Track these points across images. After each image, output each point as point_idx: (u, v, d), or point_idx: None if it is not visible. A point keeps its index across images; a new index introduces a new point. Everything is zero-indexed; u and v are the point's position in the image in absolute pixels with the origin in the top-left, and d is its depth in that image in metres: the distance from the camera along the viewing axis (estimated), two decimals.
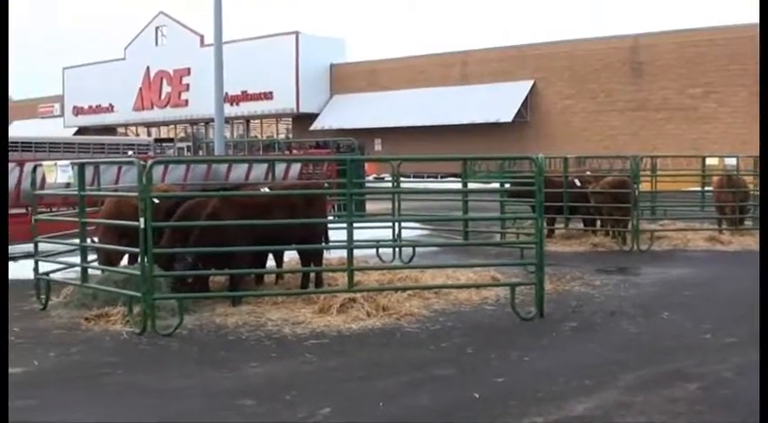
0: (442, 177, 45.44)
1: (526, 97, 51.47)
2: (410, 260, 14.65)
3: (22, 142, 25.97)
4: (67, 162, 11.65)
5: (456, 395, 7.18)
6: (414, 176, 44.32)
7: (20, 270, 14.07)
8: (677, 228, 19.14)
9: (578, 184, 18.40)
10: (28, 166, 15.40)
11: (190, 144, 58.05)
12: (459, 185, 22.37)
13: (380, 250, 14.91)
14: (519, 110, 51.00)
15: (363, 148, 30.72)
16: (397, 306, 10.44)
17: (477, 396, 7.09)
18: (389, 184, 19.14)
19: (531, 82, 51.54)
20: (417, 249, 15.16)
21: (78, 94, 74.58)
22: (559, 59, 50.55)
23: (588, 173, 20.03)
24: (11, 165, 17.12)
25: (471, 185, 19.75)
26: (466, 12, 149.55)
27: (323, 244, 12.31)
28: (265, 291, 11.84)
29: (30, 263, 12.00)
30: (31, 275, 11.66)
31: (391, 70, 58.02)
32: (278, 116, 64.44)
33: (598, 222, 18.49)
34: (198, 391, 7.43)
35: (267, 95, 60.95)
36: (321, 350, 8.76)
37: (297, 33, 59.36)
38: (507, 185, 18.53)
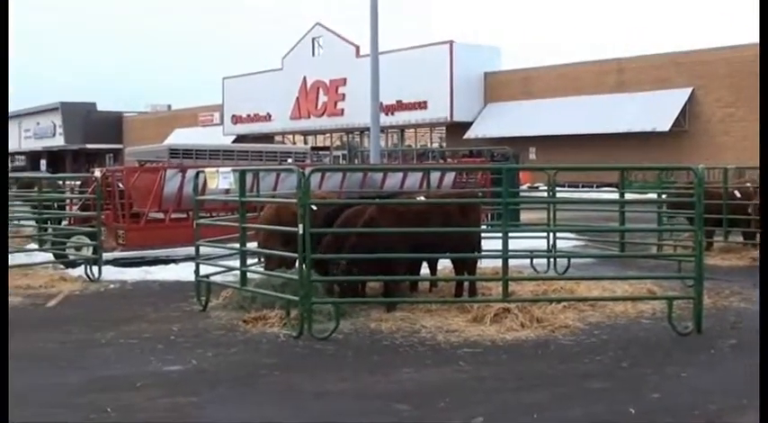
0: (597, 187, 44.78)
1: (684, 105, 50.10)
2: (565, 271, 14.48)
3: (183, 150, 26.71)
4: (229, 169, 12.00)
5: (610, 409, 7.11)
6: (568, 186, 43.75)
7: (181, 272, 14.64)
8: None
9: (738, 195, 17.87)
10: (190, 173, 15.94)
11: (345, 152, 58.86)
12: (615, 195, 22.01)
13: (535, 261, 14.80)
14: (677, 118, 49.72)
15: (518, 157, 30.60)
16: (551, 318, 10.36)
17: (633, 411, 7.01)
18: (544, 194, 18.93)
19: (690, 89, 50.15)
20: (572, 260, 14.99)
21: (237, 103, 76.45)
22: (719, 66, 48.97)
23: (749, 184, 19.43)
24: (173, 171, 17.73)
25: (627, 196, 19.38)
26: (620, 18, 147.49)
27: (477, 253, 12.32)
28: (420, 298, 11.92)
29: (191, 265, 12.43)
30: (191, 278, 12.08)
31: (545, 78, 57.40)
32: (432, 125, 64.60)
33: (758, 236, 17.89)
34: (353, 394, 7.58)
35: (421, 105, 61.14)
36: (474, 359, 8.79)
37: (451, 43, 59.36)
38: (664, 196, 18.15)
